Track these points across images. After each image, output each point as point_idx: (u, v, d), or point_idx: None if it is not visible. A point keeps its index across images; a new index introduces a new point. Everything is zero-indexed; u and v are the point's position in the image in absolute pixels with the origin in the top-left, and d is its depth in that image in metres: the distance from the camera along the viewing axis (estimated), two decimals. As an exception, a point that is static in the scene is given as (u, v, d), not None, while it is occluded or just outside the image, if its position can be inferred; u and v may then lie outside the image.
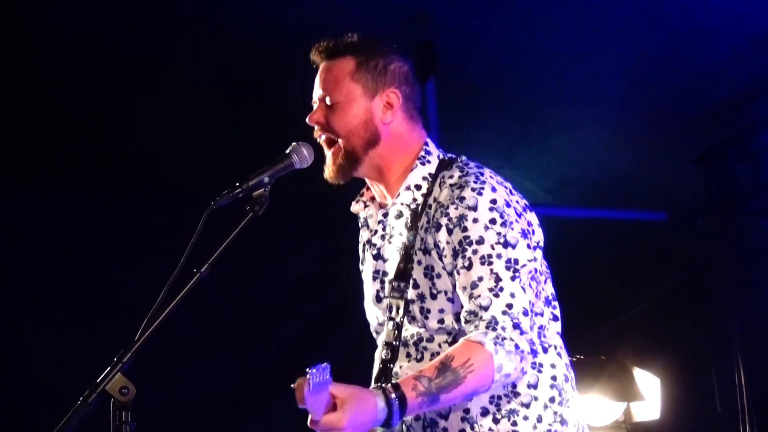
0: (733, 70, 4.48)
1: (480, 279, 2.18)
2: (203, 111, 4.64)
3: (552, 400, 2.26)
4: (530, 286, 2.23)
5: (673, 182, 4.86)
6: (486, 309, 2.17)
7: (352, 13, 3.99)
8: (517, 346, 2.14)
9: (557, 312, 2.38)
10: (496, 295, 2.17)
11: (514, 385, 2.23)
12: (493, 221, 2.21)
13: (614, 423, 5.08)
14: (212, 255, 2.20)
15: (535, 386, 2.26)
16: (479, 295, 2.18)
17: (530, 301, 2.21)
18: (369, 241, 2.44)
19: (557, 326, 2.37)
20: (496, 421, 2.22)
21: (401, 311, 2.32)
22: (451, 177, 2.29)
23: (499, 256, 2.19)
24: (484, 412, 2.22)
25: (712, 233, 4.91)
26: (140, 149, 4.73)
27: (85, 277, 4.73)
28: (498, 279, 2.18)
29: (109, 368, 2.09)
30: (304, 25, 4.01)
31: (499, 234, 2.20)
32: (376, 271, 2.41)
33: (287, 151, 2.34)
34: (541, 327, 2.30)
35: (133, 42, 4.26)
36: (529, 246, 2.25)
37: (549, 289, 2.37)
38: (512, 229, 2.22)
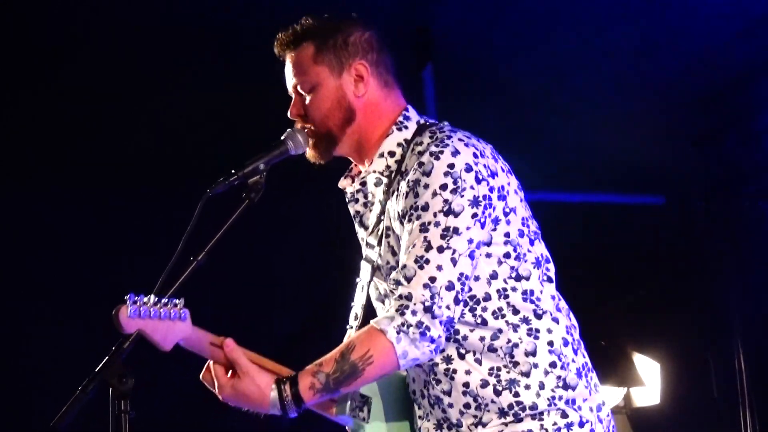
0: (733, 52, 4.45)
1: (413, 246, 2.13)
2: (204, 110, 4.63)
3: (553, 365, 2.20)
4: (470, 256, 2.14)
5: (672, 165, 4.85)
6: (408, 280, 2.13)
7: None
8: (423, 334, 2.10)
9: (551, 273, 2.30)
10: (421, 267, 2.13)
11: (512, 355, 2.19)
12: (444, 187, 2.14)
13: (614, 408, 5.06)
14: (209, 242, 2.18)
15: (533, 353, 2.20)
16: (405, 265, 2.14)
17: (461, 273, 2.13)
18: (356, 212, 2.41)
19: (551, 288, 2.29)
20: (497, 392, 2.17)
21: (368, 275, 2.30)
22: (420, 143, 2.22)
23: (437, 224, 2.13)
24: (484, 384, 2.18)
25: (712, 216, 4.90)
26: (140, 149, 4.73)
27: (85, 277, 4.72)
28: (428, 248, 2.13)
29: (107, 357, 2.08)
30: (301, 13, 4.01)
31: (445, 201, 2.14)
32: (361, 239, 2.38)
33: (282, 138, 2.33)
34: (526, 292, 2.22)
35: (133, 41, 4.26)
36: (475, 215, 2.15)
37: (539, 250, 2.29)
38: (462, 196, 2.14)
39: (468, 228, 2.14)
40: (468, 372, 2.19)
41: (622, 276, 5.23)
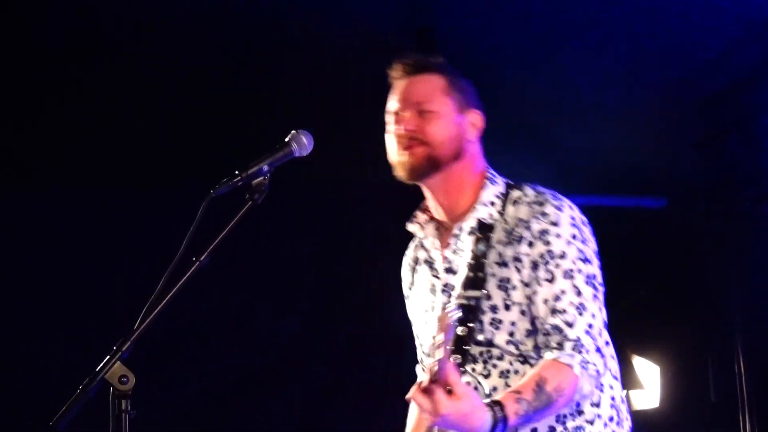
0: (734, 55, 4.48)
1: (563, 292, 2.27)
2: (204, 110, 4.64)
3: (611, 419, 2.36)
4: (604, 305, 2.34)
5: (673, 168, 4.87)
6: (571, 326, 2.26)
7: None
8: (598, 371, 2.26)
9: (608, 337, 2.43)
10: (580, 313, 2.27)
11: (578, 404, 2.33)
12: (574, 237, 2.32)
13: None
14: (212, 243, 2.19)
15: (598, 405, 2.35)
16: (564, 310, 2.27)
17: (604, 321, 2.33)
18: (429, 259, 2.49)
19: (611, 350, 2.42)
20: None
21: (469, 318, 2.33)
22: (526, 196, 2.39)
23: (579, 271, 2.29)
24: (551, 430, 2.32)
25: (713, 219, 4.93)
26: (141, 149, 4.73)
27: (85, 277, 4.72)
28: (579, 293, 2.28)
29: (108, 357, 2.09)
30: (306, 11, 4.06)
31: (579, 250, 2.31)
32: (446, 285, 2.44)
33: (287, 139, 2.35)
34: (598, 348, 2.33)
35: (133, 41, 4.26)
36: (599, 266, 2.35)
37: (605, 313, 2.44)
38: (588, 246, 2.35)
39: (601, 277, 2.36)
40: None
41: (623, 278, 5.23)
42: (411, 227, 2.53)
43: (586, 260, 2.30)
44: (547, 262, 2.28)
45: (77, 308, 4.67)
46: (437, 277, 2.46)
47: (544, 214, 2.32)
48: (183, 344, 4.63)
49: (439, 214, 2.48)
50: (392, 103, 2.45)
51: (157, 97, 4.49)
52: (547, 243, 2.29)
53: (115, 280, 4.69)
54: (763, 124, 4.76)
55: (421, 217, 2.52)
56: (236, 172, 2.25)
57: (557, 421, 2.31)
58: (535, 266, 2.29)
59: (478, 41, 4.39)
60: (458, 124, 2.42)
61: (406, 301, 2.64)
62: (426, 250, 2.50)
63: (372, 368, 4.86)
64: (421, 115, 2.40)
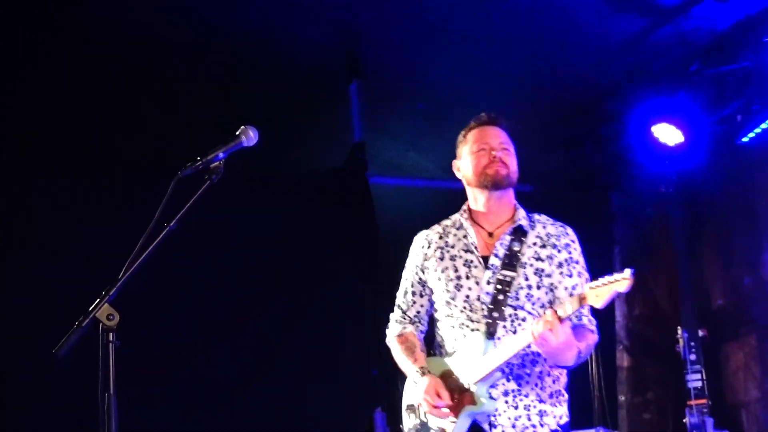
0: (585, 80, 4.98)
1: (576, 285, 3.08)
2: (203, 110, 4.76)
3: (566, 386, 3.17)
4: None
5: (542, 162, 5.31)
6: (582, 307, 2.99)
7: (291, 25, 4.19)
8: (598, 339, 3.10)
9: None
10: None
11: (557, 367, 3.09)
12: (582, 252, 3.16)
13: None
14: (179, 213, 2.44)
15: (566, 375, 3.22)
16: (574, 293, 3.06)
17: None
18: (473, 243, 3.13)
19: None
20: (555, 379, 3.10)
21: (506, 289, 3.07)
22: (548, 220, 3.21)
23: (583, 274, 3.11)
24: (548, 373, 3.08)
25: (572, 203, 5.42)
26: (136, 140, 4.82)
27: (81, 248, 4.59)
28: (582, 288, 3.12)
29: (98, 300, 2.35)
30: (243, 31, 4.20)
31: (584, 261, 3.14)
32: (491, 264, 3.11)
33: (237, 133, 2.60)
34: None
35: (124, 40, 4.36)
36: None
37: None
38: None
39: None
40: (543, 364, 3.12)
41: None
42: (463, 221, 3.18)
43: (585, 268, 3.11)
44: (569, 264, 3.07)
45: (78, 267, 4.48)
46: (479, 258, 3.11)
47: (566, 234, 3.13)
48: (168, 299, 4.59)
49: (484, 216, 3.15)
50: (486, 138, 3.17)
51: (154, 95, 4.57)
52: (570, 252, 3.10)
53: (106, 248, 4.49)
54: (609, 131, 5.36)
55: (464, 215, 3.20)
56: (198, 158, 2.51)
57: (551, 367, 3.03)
58: (560, 265, 3.06)
59: (393, 64, 4.70)
60: (516, 164, 3.17)
61: (416, 267, 3.22)
62: (468, 238, 3.13)
63: (310, 338, 4.94)
64: (504, 151, 3.13)
